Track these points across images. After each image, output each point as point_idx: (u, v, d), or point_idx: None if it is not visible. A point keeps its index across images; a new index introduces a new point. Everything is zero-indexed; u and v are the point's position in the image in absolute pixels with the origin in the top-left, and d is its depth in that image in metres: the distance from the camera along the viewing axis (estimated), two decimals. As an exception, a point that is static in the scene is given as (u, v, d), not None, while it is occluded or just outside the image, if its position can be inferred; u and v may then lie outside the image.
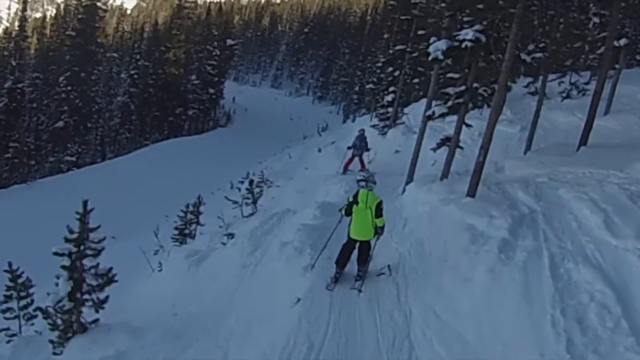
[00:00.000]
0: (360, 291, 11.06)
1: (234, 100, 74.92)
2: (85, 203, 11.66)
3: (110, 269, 12.11)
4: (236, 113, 71.04)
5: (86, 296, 11.77)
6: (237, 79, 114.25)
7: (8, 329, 12.78)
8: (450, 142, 16.41)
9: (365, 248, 11.45)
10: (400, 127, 27.63)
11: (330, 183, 20.31)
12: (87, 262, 11.69)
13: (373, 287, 11.26)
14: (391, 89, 29.39)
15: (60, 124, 51.03)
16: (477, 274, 9.88)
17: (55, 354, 11.36)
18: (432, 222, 12.99)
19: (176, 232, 20.47)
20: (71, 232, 11.45)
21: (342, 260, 11.44)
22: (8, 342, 12.56)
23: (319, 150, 31.41)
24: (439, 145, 16.93)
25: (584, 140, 16.42)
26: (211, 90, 66.07)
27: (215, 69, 66.73)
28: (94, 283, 11.78)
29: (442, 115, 16.57)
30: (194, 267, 15.93)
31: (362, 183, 11.33)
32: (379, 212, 11.07)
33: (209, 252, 16.74)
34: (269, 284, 12.59)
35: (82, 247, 11.58)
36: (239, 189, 22.24)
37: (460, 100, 15.87)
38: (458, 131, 16.16)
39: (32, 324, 12.78)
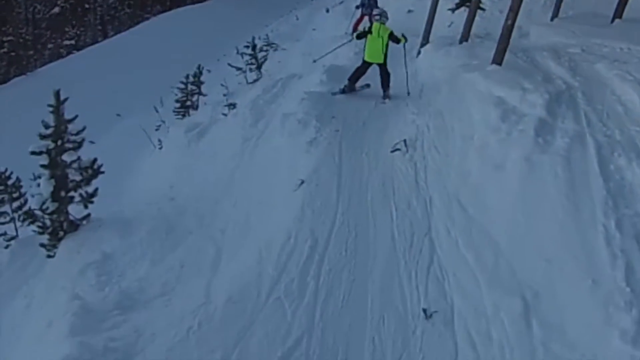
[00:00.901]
0: (384, 100, 12.02)
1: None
2: (57, 93, 9.73)
3: (95, 160, 10.37)
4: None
5: (72, 193, 10.13)
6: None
7: (5, 233, 11.23)
8: (471, 2, 13.92)
9: (384, 71, 12.03)
10: (413, -15, 24.46)
11: (338, 45, 17.80)
12: (68, 157, 9.86)
13: (387, 166, 9.27)
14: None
15: (56, 9, 46.24)
16: (511, 161, 7.88)
17: (49, 256, 9.84)
18: (453, 91, 10.83)
19: (177, 104, 18.35)
20: (46, 126, 9.60)
21: (354, 76, 12.27)
22: (6, 247, 11.06)
23: (327, 11, 28.16)
24: (458, 5, 14.54)
25: (618, 13, 14.16)
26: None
27: None
28: (78, 178, 10.10)
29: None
30: (194, 142, 13.96)
31: (377, 17, 12.05)
32: (394, 38, 11.78)
33: (210, 124, 14.67)
34: (271, 162, 10.62)
35: (60, 142, 9.79)
36: (242, 55, 19.84)
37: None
38: (479, -10, 13.67)
39: (29, 225, 11.22)
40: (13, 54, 33.28)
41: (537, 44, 13.27)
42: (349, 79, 12.28)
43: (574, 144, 7.88)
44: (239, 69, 18.85)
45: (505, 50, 10.88)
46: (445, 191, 8.24)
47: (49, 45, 40.18)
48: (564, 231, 6.55)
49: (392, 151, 9.56)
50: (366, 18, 19.25)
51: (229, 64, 19.35)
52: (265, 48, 22.06)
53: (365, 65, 12.12)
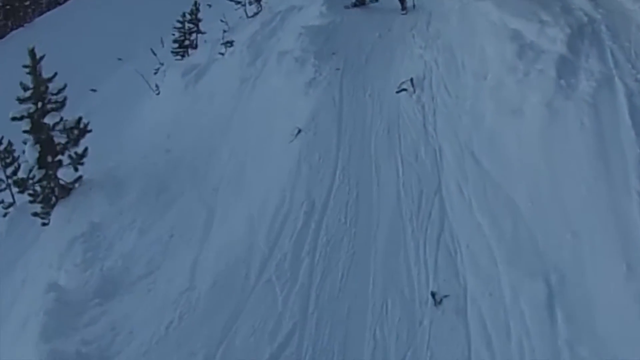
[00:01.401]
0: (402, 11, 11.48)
1: None
2: (32, 52, 8.63)
3: (80, 119, 9.31)
4: None
5: (60, 156, 9.19)
6: None
7: (2, 201, 10.46)
8: None
9: None
10: None
11: None
12: (50, 119, 8.88)
13: (392, 109, 8.15)
14: None
15: None
16: (530, 106, 6.75)
17: (44, 224, 9.06)
18: (463, 21, 9.53)
19: (175, 45, 17.00)
20: (25, 88, 8.59)
21: None
22: (5, 215, 10.40)
23: None
24: None
25: None
26: None
27: None
28: (64, 140, 9.09)
29: None
30: (192, 85, 12.79)
31: None
32: None
33: (208, 65, 13.44)
34: (267, 106, 9.55)
35: (41, 104, 8.78)
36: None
37: None
38: None
39: (21, 193, 10.45)
40: (8, 7, 31.27)
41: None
42: None
43: (601, 89, 6.67)
44: (237, 2, 17.38)
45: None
46: (457, 140, 7.13)
47: None
48: (592, 196, 5.48)
49: (397, 91, 8.42)
50: None
51: (229, -2, 17.80)
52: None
53: None
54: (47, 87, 8.86)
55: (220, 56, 13.53)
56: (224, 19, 17.08)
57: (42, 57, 8.80)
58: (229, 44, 13.66)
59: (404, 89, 8.36)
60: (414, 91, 8.26)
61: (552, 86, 6.80)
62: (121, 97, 16.48)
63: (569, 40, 7.65)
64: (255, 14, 16.96)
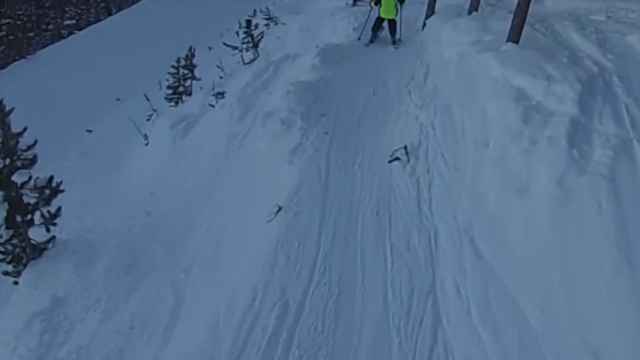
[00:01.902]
0: (396, 46, 12.40)
1: None
2: (0, 104, 7.88)
3: (51, 178, 8.61)
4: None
5: (30, 216, 8.49)
6: None
7: None
8: (482, -37, 11.48)
9: (392, 24, 12.53)
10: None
11: (338, 18, 15.37)
12: (19, 178, 8.20)
13: (384, 183, 7.18)
14: None
15: None
16: (538, 184, 5.79)
17: (16, 282, 8.36)
18: (463, 76, 8.58)
19: (169, 91, 16.20)
20: None
21: (375, 27, 12.73)
22: None
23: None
24: (468, -31, 12.02)
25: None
26: None
27: None
28: (33, 201, 8.38)
29: None
30: (180, 139, 11.95)
31: None
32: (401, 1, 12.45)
33: (198, 117, 12.60)
34: (251, 171, 8.69)
35: (9, 160, 8.06)
36: (237, 34, 17.53)
37: None
38: (492, -54, 11.21)
39: None
40: (12, 37, 30.79)
41: (555, 10, 10.79)
42: (372, 29, 12.78)
43: (619, 158, 5.73)
44: (234, 47, 16.63)
45: (522, 25, 8.56)
46: (455, 223, 6.14)
47: (50, 26, 37.49)
48: (614, 300, 4.48)
49: (390, 161, 7.46)
50: None
51: (224, 43, 17.08)
52: (266, 22, 19.88)
53: (380, 20, 12.60)
54: (17, 142, 8.15)
55: (210, 108, 12.71)
56: (220, 65, 16.33)
57: (11, 110, 8.07)
58: (220, 95, 12.87)
59: (397, 158, 7.39)
60: (408, 161, 7.31)
61: (563, 158, 5.85)
62: (115, 141, 15.80)
63: (579, 98, 6.72)
64: (252, 60, 16.26)
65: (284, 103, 9.13)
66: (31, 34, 32.91)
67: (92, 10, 41.33)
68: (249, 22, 16.38)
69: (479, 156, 6.78)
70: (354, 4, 17.18)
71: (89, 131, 19.09)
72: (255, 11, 21.90)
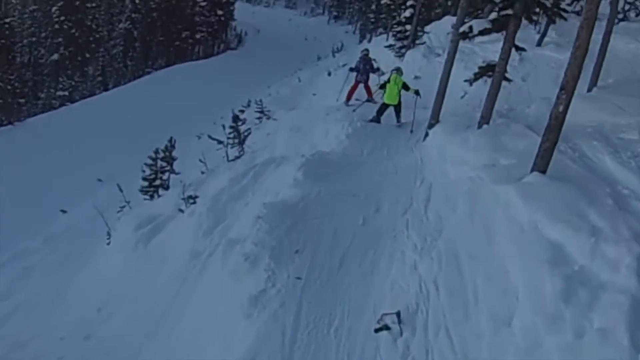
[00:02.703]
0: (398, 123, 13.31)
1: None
2: None
3: None
4: (248, 35, 58.73)
5: None
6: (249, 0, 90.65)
7: None
8: (494, 72, 9.87)
9: (398, 108, 13.37)
10: (420, 49, 20.08)
11: (332, 120, 13.70)
12: None
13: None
14: (409, 2, 21.63)
15: (55, 56, 42.24)
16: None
17: None
18: (475, 213, 6.72)
19: (145, 183, 14.26)
20: None
21: (380, 112, 13.39)
22: None
23: (329, 74, 24.17)
24: (478, 76, 10.46)
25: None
26: (220, 12, 54.42)
27: (223, -11, 56.06)
28: None
29: (483, 33, 9.95)
30: (142, 244, 10.17)
31: (395, 71, 13.51)
32: (405, 86, 13.15)
33: (167, 220, 10.78)
34: (205, 312, 6.80)
35: None
36: (224, 127, 15.82)
37: (509, 11, 9.56)
38: (506, 56, 9.76)
39: None
40: (1, 101, 29.07)
41: (577, 124, 9.05)
42: (377, 113, 13.42)
43: None
44: (220, 142, 14.88)
45: (553, 150, 6.77)
46: None
47: (41, 95, 35.93)
48: None
49: (377, 329, 5.38)
50: (360, 86, 15.56)
51: (209, 136, 15.36)
52: (258, 115, 18.37)
53: (385, 105, 13.36)
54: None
55: (180, 213, 10.82)
56: (203, 159, 14.57)
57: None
58: (192, 200, 10.97)
59: (387, 327, 5.34)
60: (401, 333, 5.27)
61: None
62: (85, 228, 14.58)
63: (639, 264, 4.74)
64: (237, 157, 14.53)
65: (251, 231, 7.18)
66: (22, 100, 31.31)
67: (88, 84, 39.97)
68: (236, 117, 14.72)
69: (499, 341, 4.75)
70: (347, 102, 15.62)
71: (64, 212, 17.49)
72: (249, 102, 20.31)
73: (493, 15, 9.80)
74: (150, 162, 14.24)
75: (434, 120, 11.21)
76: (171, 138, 14.62)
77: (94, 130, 24.05)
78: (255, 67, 32.46)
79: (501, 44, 9.84)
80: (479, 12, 13.13)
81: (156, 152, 14.33)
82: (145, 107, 25.79)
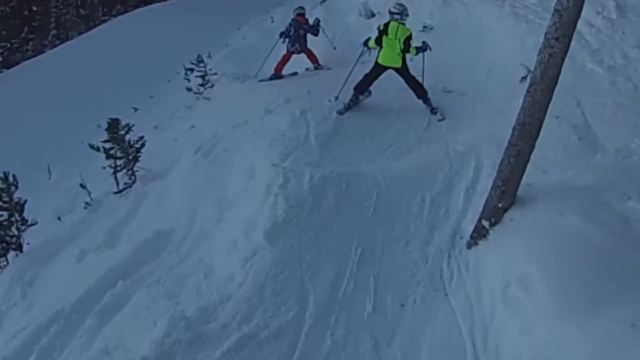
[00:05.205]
0: (438, 116, 7.76)
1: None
2: None
3: None
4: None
5: None
6: None
7: None
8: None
9: (408, 78, 7.87)
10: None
11: (266, 141, 6.97)
12: None
13: None
14: None
15: None
16: None
17: None
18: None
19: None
20: None
21: (361, 87, 7.96)
22: None
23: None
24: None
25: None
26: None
27: None
28: None
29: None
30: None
31: (397, 17, 7.84)
32: (407, 46, 7.74)
33: None
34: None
35: None
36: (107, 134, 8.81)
37: None
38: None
39: None
40: None
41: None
42: (355, 88, 7.98)
43: None
44: (106, 152, 8.41)
45: None
46: None
47: None
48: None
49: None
50: (294, 57, 10.59)
51: (90, 146, 8.58)
52: (197, 88, 11.49)
53: (378, 69, 7.94)
54: None
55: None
56: (83, 183, 8.41)
57: None
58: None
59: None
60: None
61: None
62: None
63: None
64: (127, 187, 8.02)
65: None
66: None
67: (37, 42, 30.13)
68: (115, 122, 8.02)
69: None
70: (276, 73, 10.55)
71: None
72: (200, 58, 12.55)
73: None
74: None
75: (501, 200, 4.30)
76: (12, 175, 7.77)
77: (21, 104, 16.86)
78: (231, 4, 24.30)
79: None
80: None
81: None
82: (86, 71, 18.34)
